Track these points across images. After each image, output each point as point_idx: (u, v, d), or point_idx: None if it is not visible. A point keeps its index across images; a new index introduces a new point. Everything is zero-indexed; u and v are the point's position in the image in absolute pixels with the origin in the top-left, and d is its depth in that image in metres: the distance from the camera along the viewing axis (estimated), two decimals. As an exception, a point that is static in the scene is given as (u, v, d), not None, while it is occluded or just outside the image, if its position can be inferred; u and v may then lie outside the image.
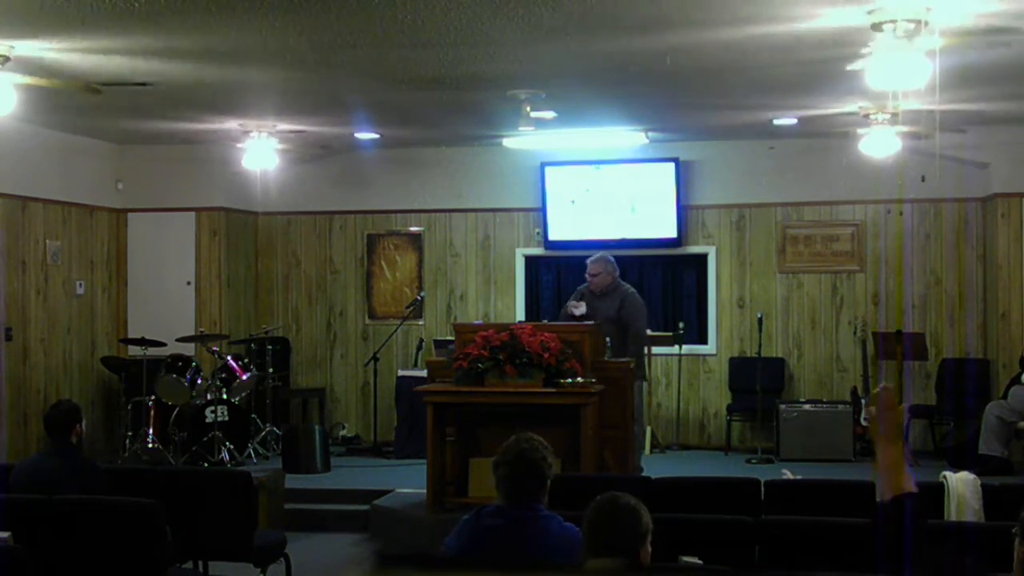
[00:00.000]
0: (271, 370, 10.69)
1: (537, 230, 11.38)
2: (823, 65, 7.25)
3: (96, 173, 10.83)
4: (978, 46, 6.61)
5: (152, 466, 8.84)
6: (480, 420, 7.93)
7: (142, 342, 9.99)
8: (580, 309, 8.45)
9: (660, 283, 11.40)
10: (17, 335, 9.72)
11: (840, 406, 10.14)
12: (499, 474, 3.97)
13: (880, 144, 8.95)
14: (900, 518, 2.82)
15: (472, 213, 11.53)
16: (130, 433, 9.89)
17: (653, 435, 10.61)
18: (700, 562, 4.46)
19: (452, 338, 8.93)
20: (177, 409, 9.73)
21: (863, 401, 10.15)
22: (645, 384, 9.38)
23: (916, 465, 8.93)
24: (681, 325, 10.78)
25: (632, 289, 8.74)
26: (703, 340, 11.16)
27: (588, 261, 8.65)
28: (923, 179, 10.01)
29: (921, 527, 2.86)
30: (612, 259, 8.67)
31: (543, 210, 11.25)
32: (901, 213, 10.61)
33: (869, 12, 5.90)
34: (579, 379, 7.56)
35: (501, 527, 3.91)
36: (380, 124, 10.03)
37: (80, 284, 10.62)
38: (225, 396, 9.80)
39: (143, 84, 7.83)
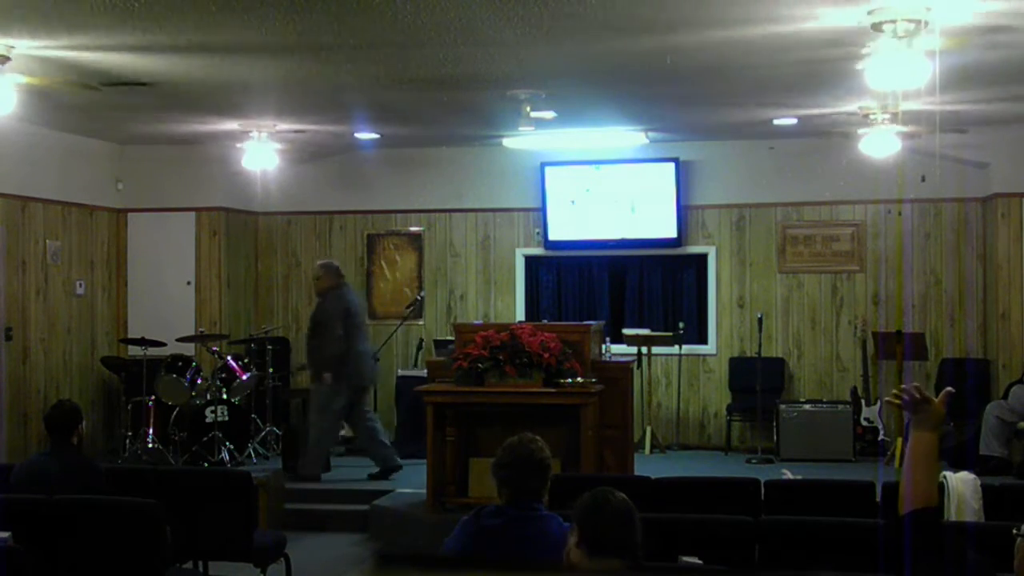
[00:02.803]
0: (271, 370, 10.68)
1: (537, 230, 11.38)
2: (823, 65, 7.25)
3: (96, 173, 10.83)
4: (978, 46, 6.61)
5: (152, 466, 8.83)
6: (480, 420, 7.94)
7: (142, 342, 9.98)
8: None
9: (660, 283, 11.39)
10: (17, 335, 9.72)
11: (840, 406, 10.14)
12: (502, 475, 3.96)
13: (880, 144, 8.95)
14: (927, 531, 2.78)
15: (472, 213, 11.53)
16: (130, 433, 9.88)
17: (653, 435, 10.61)
18: (700, 562, 4.46)
19: (452, 338, 8.94)
20: (177, 409, 9.72)
21: (862, 402, 10.16)
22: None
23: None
24: (681, 325, 10.78)
25: (342, 292, 9.27)
26: (703, 340, 11.16)
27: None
28: (923, 179, 10.01)
29: (947, 538, 2.83)
30: (334, 265, 9.43)
31: (543, 210, 11.25)
32: (901, 213, 10.61)
33: (869, 12, 5.90)
34: (579, 379, 7.57)
35: (501, 527, 3.91)
36: (380, 124, 10.03)
37: (80, 284, 10.62)
38: (225, 396, 9.79)
39: (143, 84, 7.83)
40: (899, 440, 9.48)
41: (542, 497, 3.97)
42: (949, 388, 2.99)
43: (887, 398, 2.97)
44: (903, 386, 2.89)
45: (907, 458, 2.86)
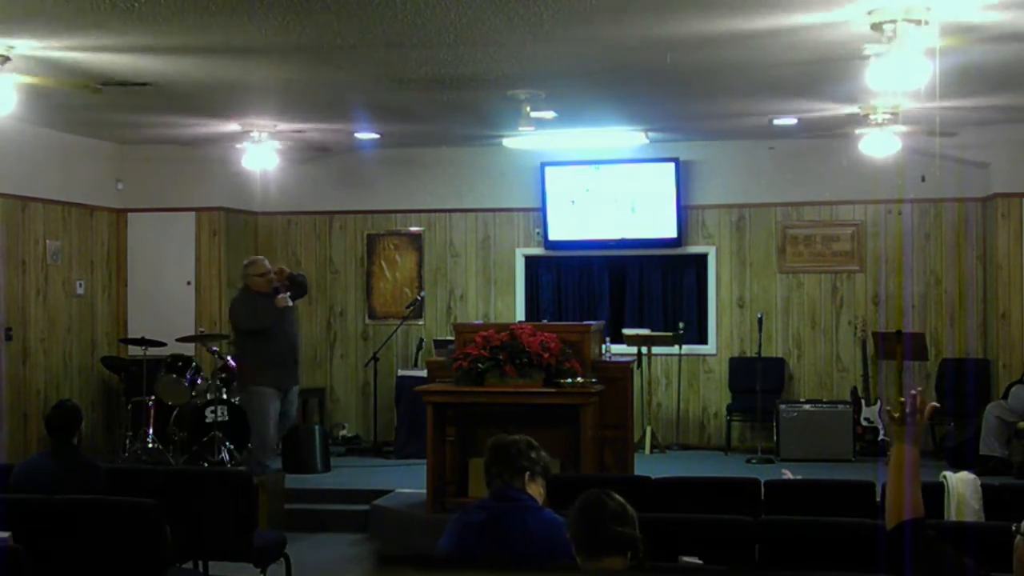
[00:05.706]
0: (271, 370, 10.67)
1: (537, 230, 11.38)
2: (823, 65, 7.24)
3: (96, 173, 10.83)
4: (978, 46, 6.61)
5: (152, 466, 8.84)
6: (480, 420, 7.94)
7: (142, 342, 9.98)
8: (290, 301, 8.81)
9: (660, 283, 11.39)
10: (17, 335, 9.72)
11: (840, 406, 10.14)
12: (485, 472, 4.04)
13: (880, 144, 8.94)
14: (924, 540, 2.82)
15: (472, 213, 11.53)
16: (130, 433, 9.88)
17: (653, 435, 10.61)
18: (700, 562, 4.46)
19: (452, 338, 8.94)
20: (177, 409, 9.73)
21: (862, 402, 10.16)
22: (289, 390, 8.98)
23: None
24: (681, 325, 10.78)
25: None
26: (703, 340, 11.16)
27: (259, 264, 8.88)
28: (923, 179, 10.01)
29: (931, 548, 2.85)
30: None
31: (543, 210, 11.25)
32: (901, 213, 10.61)
33: (869, 12, 5.90)
34: (579, 379, 7.57)
35: (483, 522, 3.93)
36: (380, 124, 10.03)
37: (80, 284, 10.62)
38: (225, 396, 9.79)
39: (143, 84, 7.83)
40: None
41: (519, 487, 3.98)
42: (935, 403, 3.06)
43: (888, 407, 3.02)
44: (913, 392, 2.95)
45: (905, 471, 2.90)
